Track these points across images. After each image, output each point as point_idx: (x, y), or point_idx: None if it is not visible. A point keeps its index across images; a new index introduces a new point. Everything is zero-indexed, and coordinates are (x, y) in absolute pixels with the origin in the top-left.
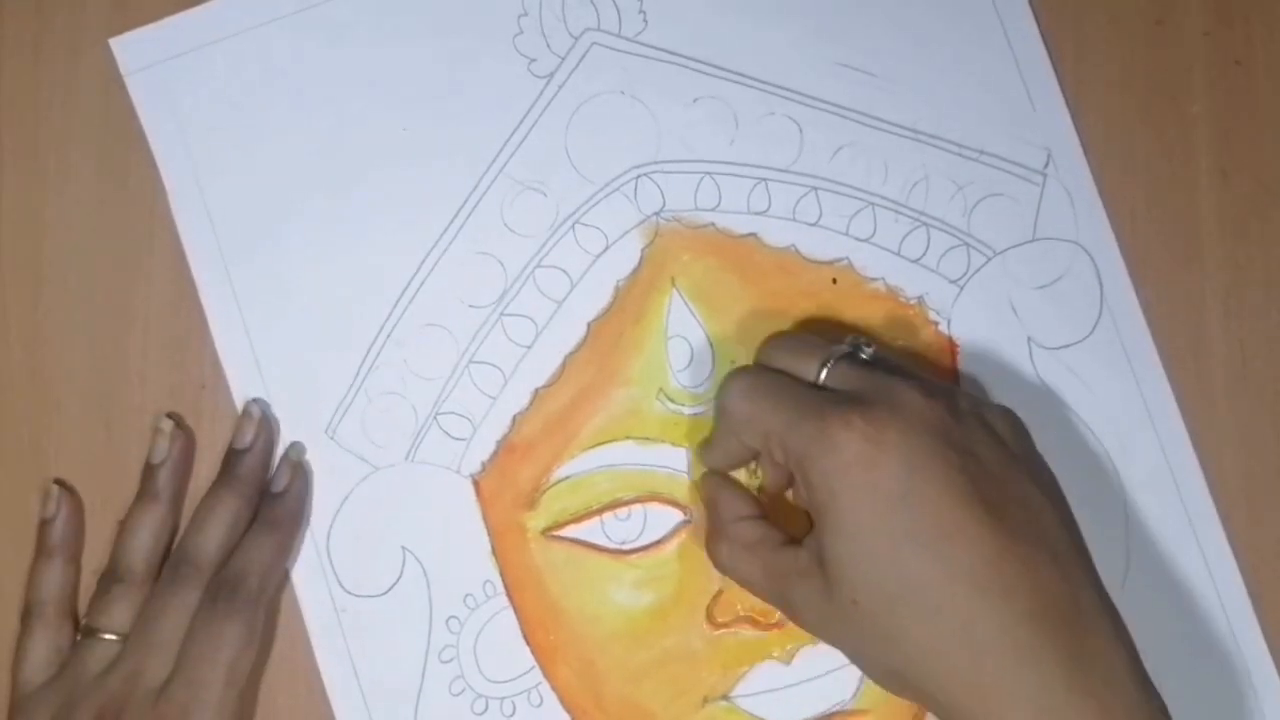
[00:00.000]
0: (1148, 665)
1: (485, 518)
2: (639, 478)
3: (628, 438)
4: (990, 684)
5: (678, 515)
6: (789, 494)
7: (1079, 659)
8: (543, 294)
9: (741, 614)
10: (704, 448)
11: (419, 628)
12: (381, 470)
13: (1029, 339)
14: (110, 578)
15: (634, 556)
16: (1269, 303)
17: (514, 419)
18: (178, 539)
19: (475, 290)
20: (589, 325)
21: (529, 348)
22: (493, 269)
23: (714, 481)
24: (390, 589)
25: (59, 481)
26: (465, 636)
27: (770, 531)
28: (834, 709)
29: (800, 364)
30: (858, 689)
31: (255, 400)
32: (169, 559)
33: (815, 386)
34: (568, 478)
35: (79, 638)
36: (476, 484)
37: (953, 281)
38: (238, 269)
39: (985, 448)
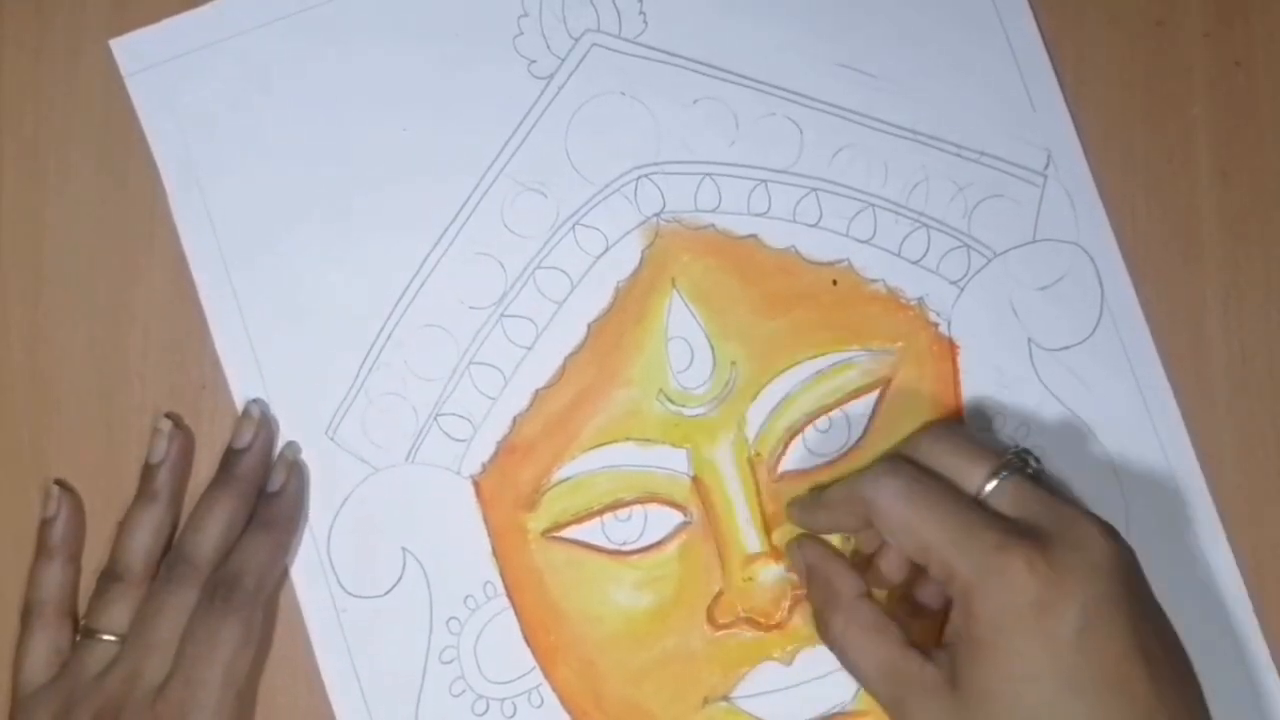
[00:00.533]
0: None
1: (486, 519)
2: (639, 478)
3: (628, 439)
4: None
5: (678, 516)
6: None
7: None
8: (543, 295)
9: (742, 615)
10: (810, 508)
11: (419, 628)
12: (382, 471)
13: (1029, 340)
14: (109, 578)
15: (634, 557)
16: (1269, 303)
17: (514, 420)
18: (175, 538)
19: (475, 291)
20: (589, 326)
21: (529, 349)
22: (493, 270)
23: (823, 550)
24: (391, 590)
25: (59, 482)
26: (466, 637)
27: (891, 623)
28: (834, 710)
29: (963, 471)
30: (858, 690)
31: (255, 400)
32: (166, 558)
33: (977, 500)
34: (568, 479)
35: (78, 638)
36: (477, 485)
37: (953, 283)
38: (238, 271)
39: (1150, 598)
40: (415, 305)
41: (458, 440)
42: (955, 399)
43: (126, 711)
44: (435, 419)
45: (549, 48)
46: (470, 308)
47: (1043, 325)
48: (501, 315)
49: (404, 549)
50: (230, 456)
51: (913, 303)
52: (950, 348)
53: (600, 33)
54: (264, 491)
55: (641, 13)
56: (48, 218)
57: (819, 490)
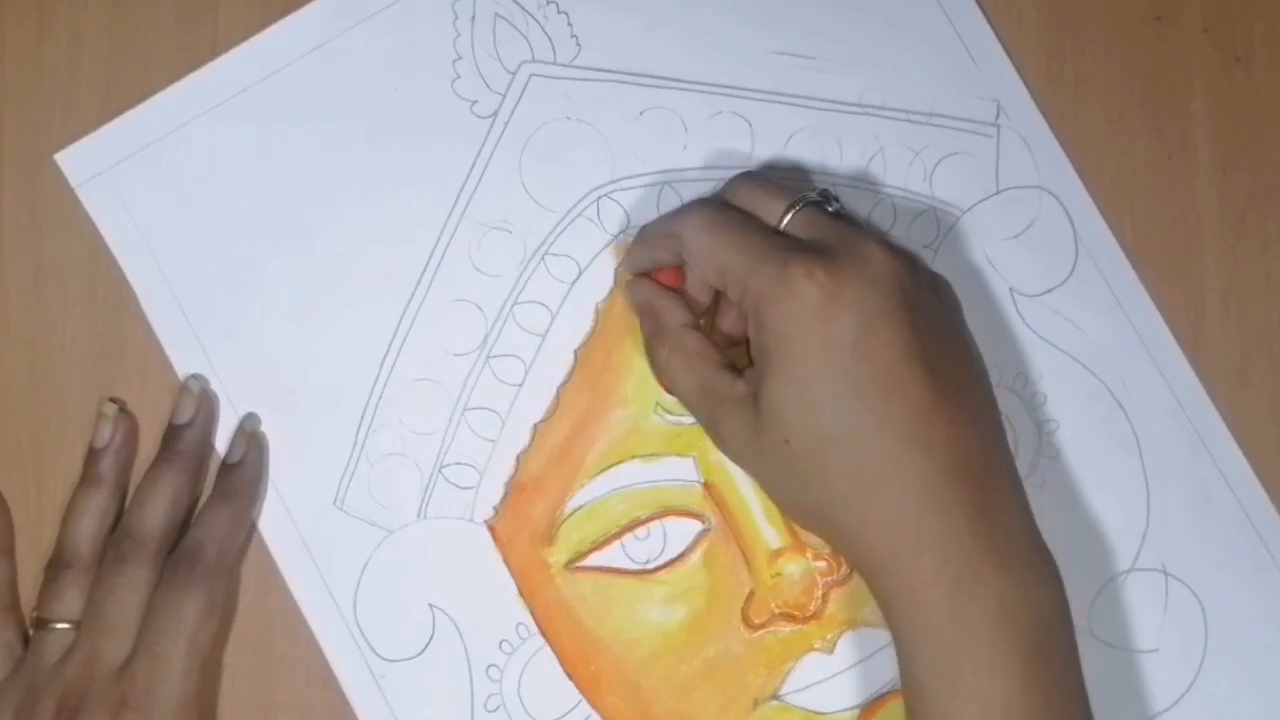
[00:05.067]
0: (1185, 581)
1: (506, 561)
2: (651, 495)
3: (633, 457)
4: (903, 529)
5: (696, 525)
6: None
7: (984, 513)
8: (525, 330)
9: (776, 611)
10: (631, 248)
11: (460, 681)
12: (395, 532)
13: (1011, 290)
14: (57, 565)
15: (660, 573)
16: (1269, 302)
17: (518, 458)
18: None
19: (458, 338)
20: (576, 353)
21: (520, 385)
22: (471, 314)
23: (650, 287)
24: (425, 649)
25: None
26: (508, 682)
27: (709, 348)
28: (885, 690)
29: (765, 206)
30: None
31: (195, 376)
32: (112, 538)
33: (777, 231)
34: (581, 507)
35: (32, 630)
36: (492, 529)
37: (926, 246)
38: (219, 358)
39: (932, 310)
40: (401, 362)
41: (465, 488)
42: None
43: (90, 694)
44: (439, 471)
45: (488, 86)
46: (455, 355)
47: (1021, 273)
48: (488, 357)
49: (431, 605)
50: (172, 432)
51: None
52: None
53: (536, 62)
54: (223, 464)
55: (573, 36)
56: (48, 217)
57: (641, 228)
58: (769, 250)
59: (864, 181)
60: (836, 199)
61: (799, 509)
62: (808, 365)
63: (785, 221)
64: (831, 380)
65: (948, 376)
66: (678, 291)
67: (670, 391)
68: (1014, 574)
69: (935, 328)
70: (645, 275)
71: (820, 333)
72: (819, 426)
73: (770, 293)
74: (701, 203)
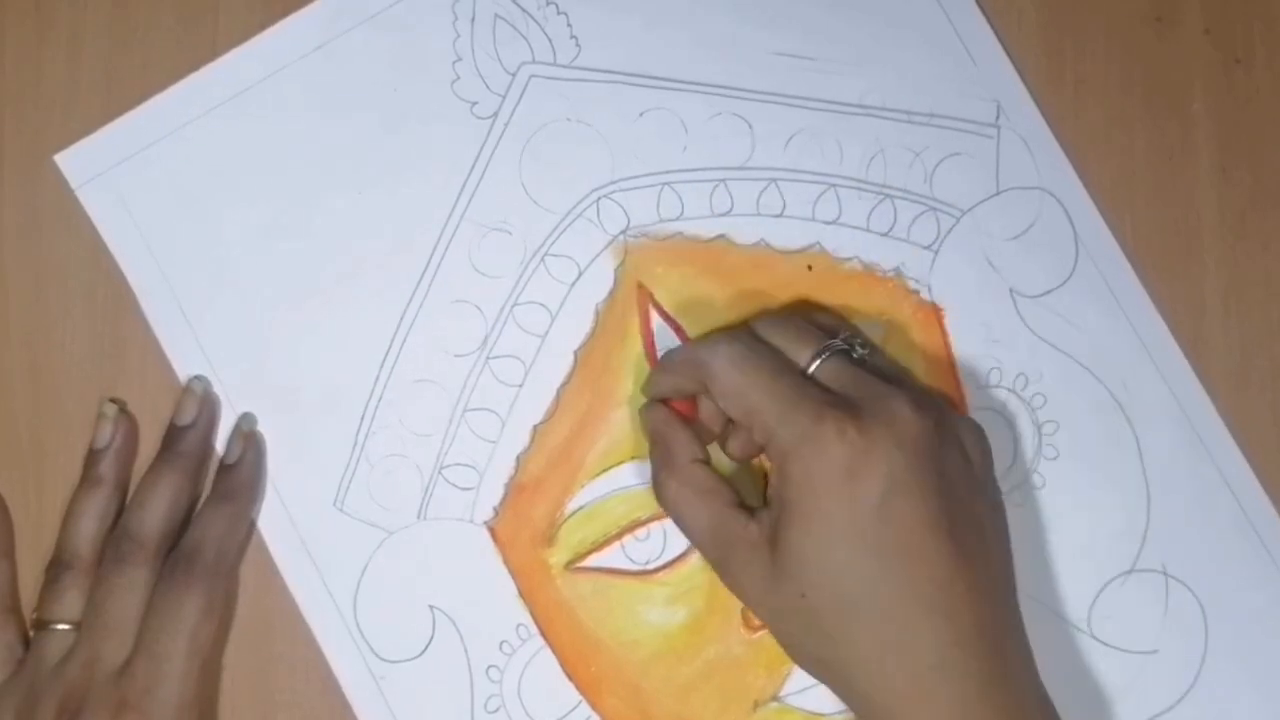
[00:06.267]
0: (1185, 581)
1: (506, 562)
2: (650, 496)
3: (633, 458)
4: (917, 693)
5: None
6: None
7: (998, 680)
8: (525, 331)
9: None
10: (654, 373)
11: (460, 683)
12: (396, 534)
13: (1011, 291)
14: (58, 566)
15: (660, 574)
16: (1269, 303)
17: (518, 459)
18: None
19: (458, 339)
20: (575, 354)
21: (520, 386)
22: (471, 315)
23: (665, 416)
24: (425, 649)
25: None
26: (508, 683)
27: (721, 485)
28: None
29: (793, 348)
30: None
31: (198, 377)
32: (111, 538)
33: (804, 375)
34: (581, 508)
35: (33, 632)
36: (492, 530)
37: (926, 248)
38: (218, 359)
39: (958, 471)
40: (400, 363)
41: (465, 489)
42: (948, 361)
43: (91, 696)
44: (440, 472)
45: (488, 87)
46: (455, 356)
47: (1022, 274)
48: (488, 358)
49: (431, 606)
50: (173, 433)
51: (890, 274)
52: (935, 312)
53: (536, 64)
54: (221, 464)
55: (573, 37)
56: (48, 216)
57: (665, 354)
58: (800, 400)
59: (864, 182)
60: (863, 345)
61: (810, 660)
62: (832, 524)
63: (813, 367)
64: (855, 541)
65: (970, 540)
66: (690, 419)
67: (676, 523)
68: None
69: (960, 490)
70: (660, 401)
71: (847, 493)
72: (839, 585)
73: (799, 447)
74: (730, 336)
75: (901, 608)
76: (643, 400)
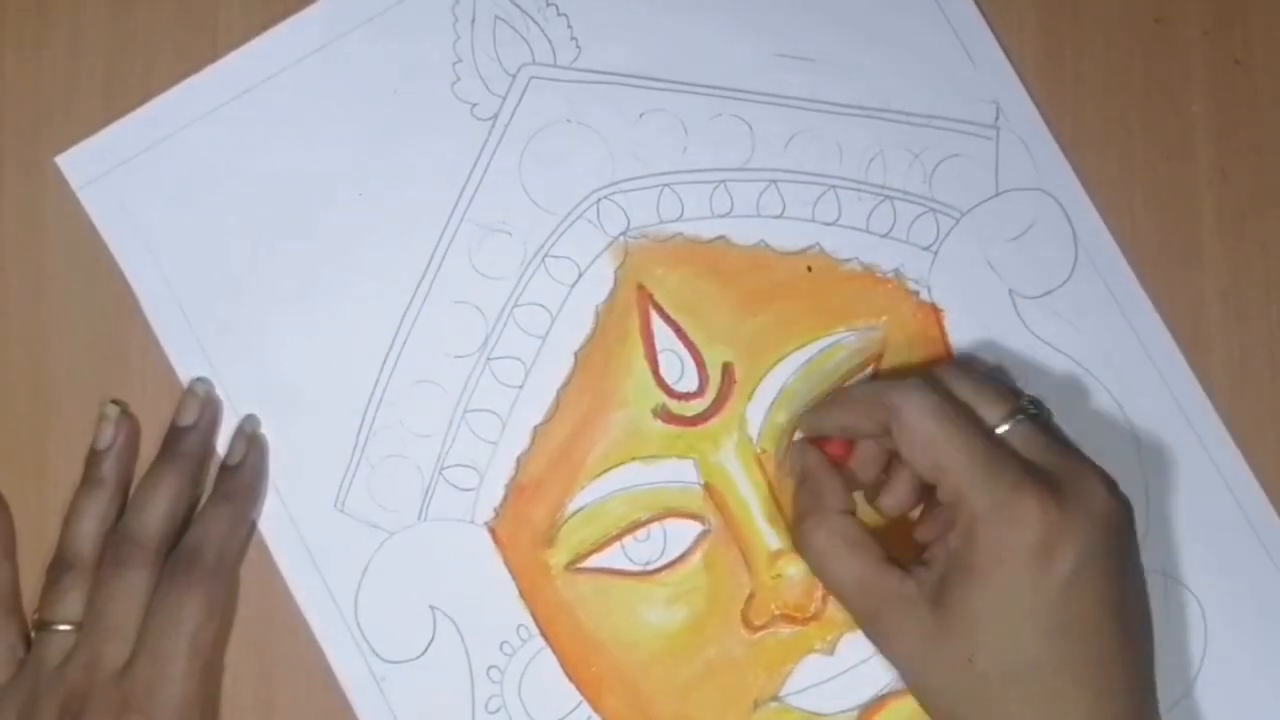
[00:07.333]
0: (1185, 582)
1: (507, 563)
2: (651, 496)
3: (633, 459)
4: None
5: (696, 527)
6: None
7: None
8: (525, 332)
9: (776, 613)
10: (826, 405)
11: (461, 683)
12: (396, 534)
13: (1011, 291)
14: (59, 567)
15: (660, 575)
16: (1269, 303)
17: (518, 460)
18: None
19: (458, 340)
20: (576, 355)
21: (520, 387)
22: (472, 316)
23: (818, 458)
24: (426, 650)
25: None
26: (508, 683)
27: (870, 539)
28: (884, 691)
29: (984, 406)
30: None
31: (200, 379)
32: (110, 539)
33: (994, 435)
34: (581, 509)
35: (34, 632)
36: (492, 531)
37: (925, 249)
38: (219, 360)
39: (1134, 553)
40: (401, 364)
41: (466, 490)
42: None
43: (92, 697)
44: (440, 473)
45: (488, 88)
46: (456, 357)
47: (1021, 275)
48: (488, 359)
49: (432, 607)
50: (174, 434)
51: (889, 275)
52: (934, 313)
53: (536, 65)
54: (223, 465)
55: (573, 38)
56: (49, 216)
57: (839, 390)
58: (999, 466)
59: (864, 184)
60: (1047, 409)
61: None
62: (1019, 595)
63: (1004, 428)
64: (1036, 615)
65: (1135, 621)
66: (842, 463)
67: (816, 571)
68: None
69: (1134, 571)
70: (813, 441)
71: (1038, 567)
72: (1011, 653)
73: (994, 514)
74: (922, 384)
75: (1068, 681)
76: (644, 401)
